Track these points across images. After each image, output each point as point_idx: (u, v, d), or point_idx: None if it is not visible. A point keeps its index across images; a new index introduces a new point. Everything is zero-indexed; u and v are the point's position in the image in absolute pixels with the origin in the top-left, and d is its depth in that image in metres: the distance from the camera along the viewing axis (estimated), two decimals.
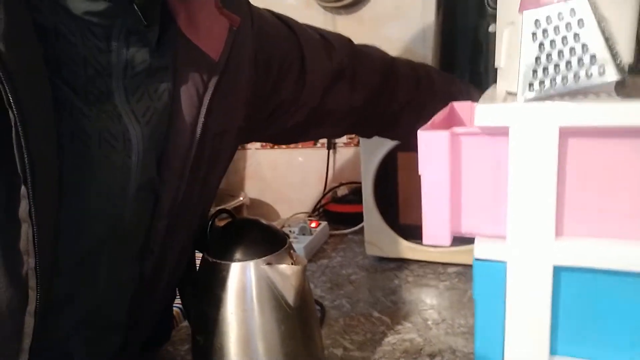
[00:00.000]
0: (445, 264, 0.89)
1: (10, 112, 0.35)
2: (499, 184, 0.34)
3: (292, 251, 0.55)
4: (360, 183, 0.92)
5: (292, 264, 0.52)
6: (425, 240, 0.36)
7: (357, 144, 1.21)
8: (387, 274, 0.88)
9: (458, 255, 0.87)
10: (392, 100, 0.74)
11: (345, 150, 1.23)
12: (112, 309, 0.51)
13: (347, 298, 0.81)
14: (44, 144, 0.38)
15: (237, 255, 0.53)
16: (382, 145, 0.87)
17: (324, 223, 1.05)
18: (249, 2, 0.59)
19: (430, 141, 0.33)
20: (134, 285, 0.51)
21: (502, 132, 0.33)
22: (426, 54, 1.06)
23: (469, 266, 0.91)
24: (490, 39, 0.81)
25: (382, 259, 0.93)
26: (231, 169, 1.32)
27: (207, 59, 0.49)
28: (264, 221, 0.58)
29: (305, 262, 0.52)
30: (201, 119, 0.49)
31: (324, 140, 1.23)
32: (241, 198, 1.16)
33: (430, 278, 0.86)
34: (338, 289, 0.84)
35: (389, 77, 0.73)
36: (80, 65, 0.41)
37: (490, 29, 0.79)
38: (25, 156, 0.36)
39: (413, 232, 0.87)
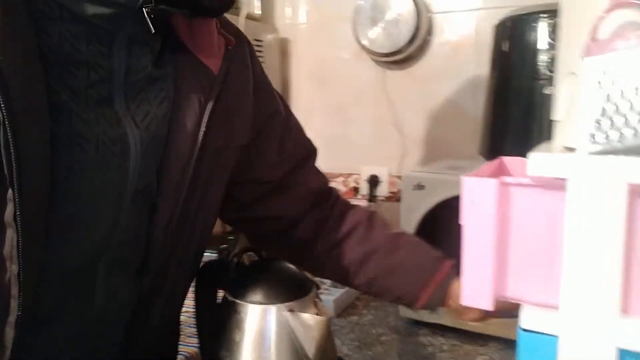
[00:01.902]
0: (485, 336, 0.82)
1: None
2: (552, 244, 0.30)
3: (317, 300, 0.51)
4: None
5: (316, 314, 0.49)
6: (463, 301, 0.32)
7: (399, 200, 1.18)
8: (420, 339, 0.82)
9: (502, 327, 0.80)
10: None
11: (387, 204, 1.20)
12: (110, 326, 0.49)
13: None
14: (34, 146, 0.37)
15: (259, 297, 0.50)
16: (424, 202, 0.83)
17: None
18: (247, 40, 0.60)
19: (476, 188, 0.30)
20: (131, 302, 0.49)
21: (558, 185, 0.29)
22: (476, 111, 1.04)
23: (511, 341, 0.83)
24: (545, 100, 0.78)
25: (415, 322, 0.87)
26: None
27: (207, 71, 0.50)
28: (290, 265, 0.55)
29: (330, 313, 0.48)
30: (202, 129, 0.48)
31: (365, 192, 1.20)
32: None
33: (468, 350, 0.78)
34: (366, 348, 0.79)
35: None
36: (82, 69, 0.41)
37: (547, 90, 0.76)
38: (13, 157, 0.35)
39: None
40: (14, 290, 0.38)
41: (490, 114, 0.88)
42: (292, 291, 0.50)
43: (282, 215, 0.63)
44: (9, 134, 0.35)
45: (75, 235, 0.42)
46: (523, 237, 0.31)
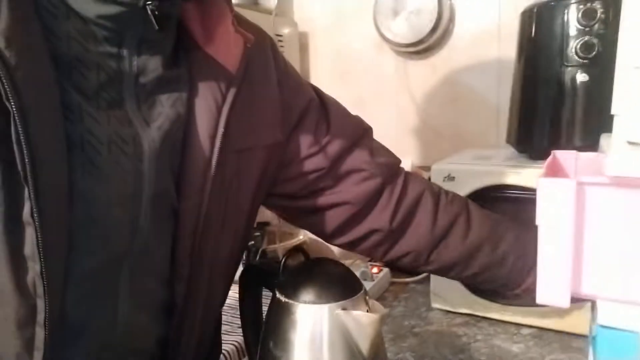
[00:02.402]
0: (518, 325, 0.82)
1: (7, 104, 0.34)
2: (631, 241, 0.30)
3: (367, 297, 0.51)
4: None
5: (367, 311, 0.49)
6: (539, 299, 0.32)
7: None
8: (454, 330, 0.82)
9: (533, 316, 0.80)
10: None
11: None
12: (142, 338, 0.48)
13: (411, 352, 0.76)
14: (48, 142, 0.37)
15: (310, 296, 0.50)
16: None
17: (385, 269, 1.00)
18: (269, 37, 0.59)
19: (553, 190, 0.30)
20: (162, 312, 0.49)
21: (637, 183, 0.29)
22: (500, 102, 1.03)
23: (545, 330, 0.84)
24: (574, 87, 0.78)
25: (447, 313, 0.87)
26: None
27: (224, 72, 0.48)
28: (339, 262, 0.55)
29: (384, 310, 0.49)
30: (220, 130, 0.47)
31: None
32: (301, 237, 1.14)
33: (503, 339, 0.79)
34: (401, 341, 0.79)
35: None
36: (93, 71, 0.41)
37: (581, 77, 0.76)
38: (25, 152, 0.35)
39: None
40: (40, 290, 0.38)
41: (518, 102, 0.87)
42: (343, 290, 0.50)
43: (344, 201, 0.61)
44: (20, 127, 0.34)
45: (94, 238, 0.42)
46: (599, 235, 0.31)
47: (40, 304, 0.38)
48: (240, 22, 0.51)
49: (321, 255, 0.58)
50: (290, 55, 1.15)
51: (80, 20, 0.40)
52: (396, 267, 1.06)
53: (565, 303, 0.31)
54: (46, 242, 0.37)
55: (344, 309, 0.48)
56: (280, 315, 0.51)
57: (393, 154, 0.67)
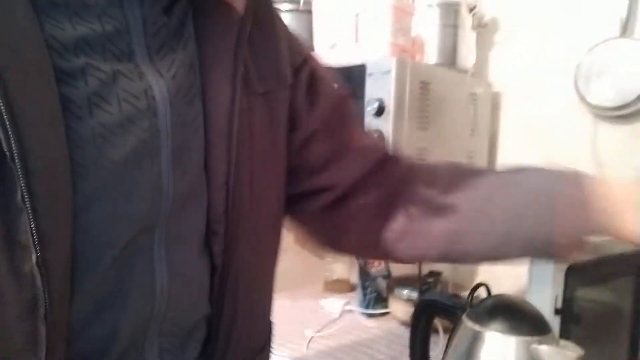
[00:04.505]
0: None
1: None
2: None
3: (559, 340, 0.52)
4: None
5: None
6: None
7: None
8: None
9: None
10: None
11: None
12: (183, 309, 0.45)
13: None
14: (37, 113, 0.34)
15: (502, 327, 0.52)
16: None
17: None
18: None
19: None
20: (204, 285, 0.47)
21: None
22: None
23: None
24: None
25: None
26: None
27: (231, 11, 0.46)
28: (528, 302, 0.56)
29: (580, 352, 0.48)
30: (239, 70, 0.45)
31: None
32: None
33: None
34: None
35: None
36: (95, 20, 0.38)
37: None
38: (8, 126, 0.32)
39: None
40: (37, 281, 0.34)
41: None
42: (534, 326, 0.52)
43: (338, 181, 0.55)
44: (1, 101, 0.31)
45: (114, 207, 0.39)
46: None
47: (41, 297, 0.35)
48: None
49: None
50: (482, 114, 1.20)
51: None
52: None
53: None
54: (41, 227, 0.34)
55: (534, 344, 0.50)
56: (471, 344, 0.54)
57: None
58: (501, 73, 1.26)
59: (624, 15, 1.01)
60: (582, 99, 1.06)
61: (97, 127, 0.37)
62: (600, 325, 0.78)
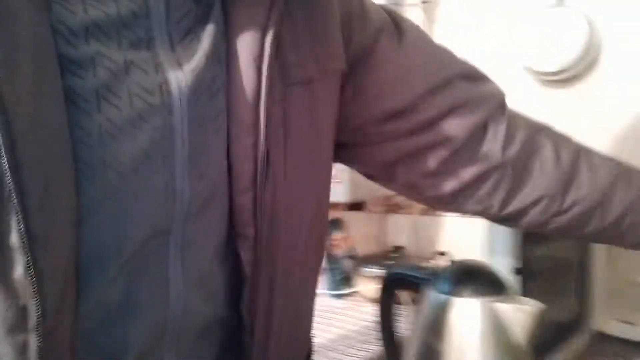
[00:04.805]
0: None
1: None
2: None
3: (520, 298, 0.54)
4: None
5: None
6: None
7: None
8: None
9: None
10: None
11: None
12: (201, 318, 0.42)
13: None
14: (32, 102, 0.31)
15: (465, 293, 0.54)
16: None
17: None
18: None
19: None
20: (227, 288, 0.43)
21: None
22: None
23: None
24: None
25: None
26: None
27: None
28: (487, 265, 0.58)
29: (541, 306, 0.51)
30: (267, 52, 0.39)
31: None
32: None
33: None
34: None
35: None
36: (111, 7, 0.35)
37: None
38: None
39: None
40: (28, 289, 0.31)
41: None
42: (494, 288, 0.54)
43: (439, 142, 0.53)
44: None
45: (121, 211, 0.35)
46: None
47: (32, 306, 0.31)
48: None
49: None
50: None
51: None
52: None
53: None
54: (33, 229, 0.31)
55: (498, 302, 0.52)
56: (436, 310, 0.55)
57: (495, 84, 0.58)
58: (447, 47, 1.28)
59: None
60: (525, 65, 1.10)
61: (105, 124, 0.34)
62: (555, 279, 0.82)
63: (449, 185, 0.55)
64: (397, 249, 1.23)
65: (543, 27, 1.03)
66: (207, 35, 0.39)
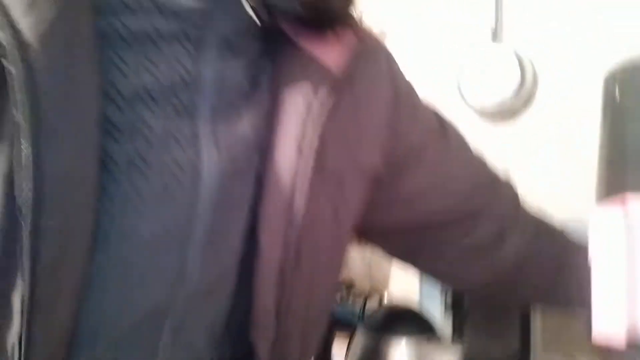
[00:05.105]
0: None
1: (10, 67, 0.27)
2: None
3: (443, 341, 0.55)
4: None
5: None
6: (595, 339, 0.32)
7: None
8: None
9: None
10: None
11: None
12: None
13: None
14: (68, 161, 0.29)
15: (389, 332, 0.56)
16: None
17: None
18: (385, 47, 0.51)
19: (604, 219, 0.31)
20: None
21: None
22: (587, 165, 1.00)
23: None
24: None
25: None
26: None
27: (323, 70, 0.40)
28: (414, 306, 0.60)
29: (460, 345, 0.52)
30: (313, 141, 0.39)
31: None
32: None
33: None
34: None
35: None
36: (163, 66, 0.34)
37: None
38: (32, 171, 0.27)
39: None
40: (17, 354, 0.29)
41: (606, 166, 0.84)
42: (420, 327, 0.57)
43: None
44: (27, 141, 0.27)
45: (126, 286, 0.34)
46: None
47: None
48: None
49: None
50: None
51: (160, 15, 0.34)
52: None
53: (621, 344, 0.30)
54: (36, 295, 0.29)
55: (421, 343, 0.54)
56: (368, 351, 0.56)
57: (515, 189, 0.59)
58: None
59: (493, 23, 1.08)
60: (463, 99, 1.11)
61: (131, 193, 0.33)
62: (493, 316, 0.82)
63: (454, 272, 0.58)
64: (346, 284, 1.20)
65: (479, 63, 1.05)
66: (250, 113, 0.39)
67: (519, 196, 0.60)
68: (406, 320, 0.57)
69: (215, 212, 0.37)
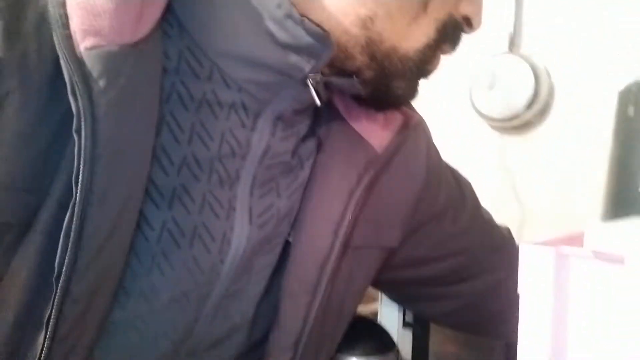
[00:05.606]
0: None
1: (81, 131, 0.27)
2: (620, 324, 0.28)
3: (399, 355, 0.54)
4: None
5: None
6: None
7: None
8: None
9: None
10: None
11: None
12: None
13: None
14: (106, 230, 0.29)
15: (353, 351, 0.54)
16: None
17: None
18: (426, 125, 0.51)
19: (532, 257, 0.31)
20: None
21: (618, 258, 0.28)
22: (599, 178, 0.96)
23: None
24: None
25: None
26: None
27: (366, 148, 0.40)
28: (376, 321, 0.59)
29: None
30: (347, 217, 0.39)
31: None
32: None
33: None
34: None
35: None
36: (216, 138, 0.35)
37: None
38: (71, 237, 0.28)
39: None
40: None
41: (615, 181, 0.81)
42: (379, 345, 0.54)
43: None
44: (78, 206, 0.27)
45: (137, 340, 0.35)
46: (583, 309, 0.30)
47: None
48: None
49: None
50: None
51: (223, 84, 0.34)
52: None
53: None
54: (53, 353, 0.30)
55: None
56: None
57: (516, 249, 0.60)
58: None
59: (511, 31, 1.05)
60: (477, 110, 1.09)
61: (159, 257, 0.33)
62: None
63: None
64: None
65: (494, 74, 1.03)
66: (287, 185, 0.39)
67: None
68: (367, 336, 0.54)
69: (236, 277, 0.37)
